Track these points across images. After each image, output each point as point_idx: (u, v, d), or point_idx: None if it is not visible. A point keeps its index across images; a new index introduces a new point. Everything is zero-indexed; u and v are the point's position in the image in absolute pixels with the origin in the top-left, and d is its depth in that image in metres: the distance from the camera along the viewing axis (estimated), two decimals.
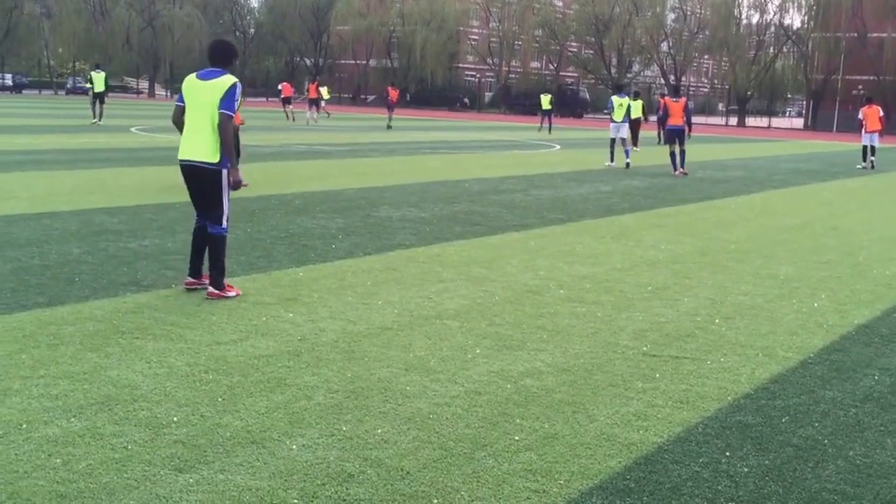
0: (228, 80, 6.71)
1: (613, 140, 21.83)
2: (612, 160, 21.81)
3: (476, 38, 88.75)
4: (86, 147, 21.38)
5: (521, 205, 13.32)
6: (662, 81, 79.60)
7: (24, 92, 79.93)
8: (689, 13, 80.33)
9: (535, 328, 6.26)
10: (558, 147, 30.65)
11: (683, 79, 79.98)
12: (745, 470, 4.03)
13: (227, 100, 6.62)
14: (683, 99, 21.01)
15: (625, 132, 21.82)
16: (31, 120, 33.50)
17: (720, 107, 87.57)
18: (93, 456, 3.85)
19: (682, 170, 20.31)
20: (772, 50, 74.32)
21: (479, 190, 15.19)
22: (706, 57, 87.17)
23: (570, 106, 70.41)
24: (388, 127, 38.70)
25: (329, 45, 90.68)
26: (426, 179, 16.64)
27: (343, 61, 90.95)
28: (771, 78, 73.37)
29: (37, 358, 5.16)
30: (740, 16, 74.24)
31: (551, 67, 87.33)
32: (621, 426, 4.48)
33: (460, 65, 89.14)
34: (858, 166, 25.32)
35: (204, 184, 6.75)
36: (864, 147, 25.30)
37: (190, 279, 7.00)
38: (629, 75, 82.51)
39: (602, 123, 60.61)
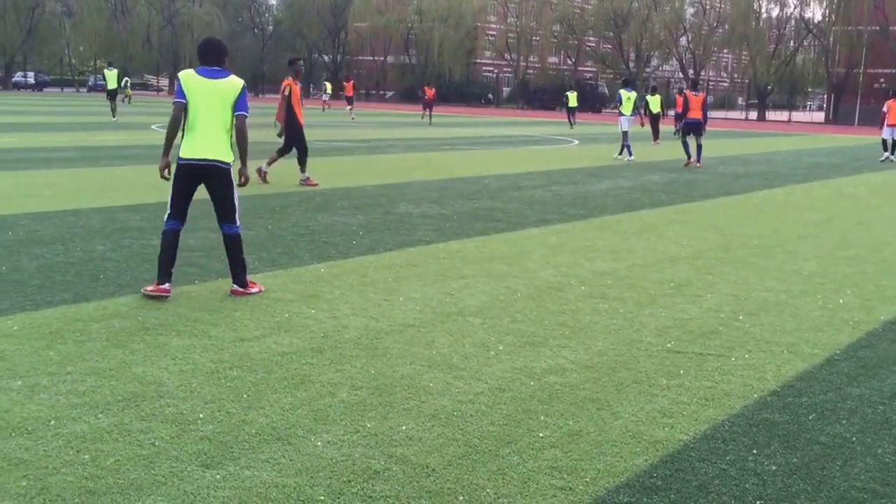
0: (239, 81, 6.74)
1: (626, 133, 22.05)
2: (630, 154, 21.84)
3: (493, 33, 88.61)
4: (107, 145, 21.53)
5: (541, 201, 13.29)
6: (681, 76, 79.14)
7: (45, 90, 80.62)
8: (708, 7, 79.76)
9: (557, 325, 6.24)
10: (577, 142, 30.55)
11: (703, 73, 79.50)
12: (773, 468, 4.00)
13: (244, 101, 6.68)
14: (703, 94, 21.28)
15: (627, 125, 22.24)
16: (54, 118, 33.76)
17: (740, 101, 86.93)
18: (120, 452, 3.87)
19: (698, 163, 20.49)
20: (792, 44, 73.71)
21: (499, 186, 15.17)
22: (725, 51, 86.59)
23: (588, 101, 70.18)
24: (429, 124, 40.62)
25: (347, 42, 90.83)
26: (445, 176, 16.63)
27: (361, 58, 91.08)
28: (791, 72, 72.76)
29: (64, 354, 5.20)
30: (760, 9, 73.67)
31: (569, 62, 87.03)
32: (647, 423, 4.46)
33: (478, 60, 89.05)
34: (881, 159, 25.11)
35: (219, 184, 6.71)
36: (884, 140, 25.24)
37: (166, 286, 6.59)
38: (647, 70, 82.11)
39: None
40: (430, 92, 43.73)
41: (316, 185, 14.11)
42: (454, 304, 6.74)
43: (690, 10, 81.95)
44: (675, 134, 29.43)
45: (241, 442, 4.02)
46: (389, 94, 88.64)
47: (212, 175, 6.67)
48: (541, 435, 4.24)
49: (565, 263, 8.47)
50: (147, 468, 3.72)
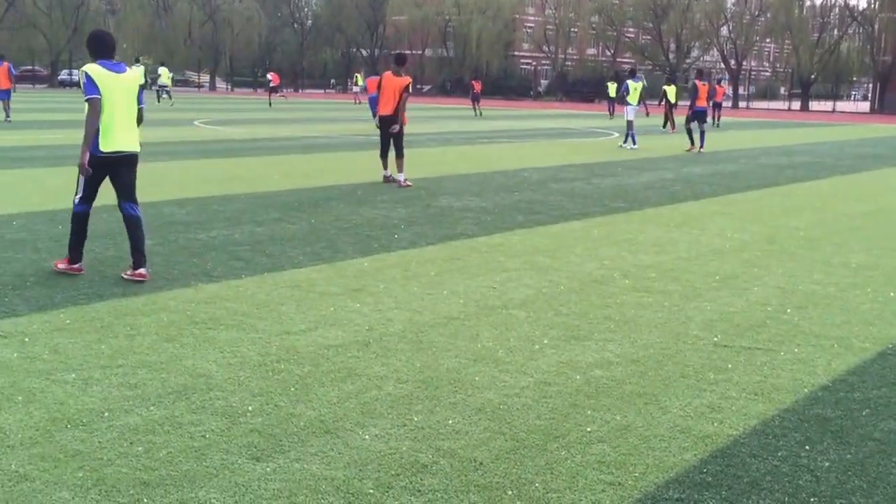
0: (140, 73, 7.40)
1: (631, 122, 22.76)
2: (634, 143, 22.48)
3: (532, 25, 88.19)
4: (151, 141, 21.80)
5: (582, 193, 13.22)
6: (722, 66, 78.18)
7: (155, 87, 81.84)
8: None
9: (602, 318, 6.21)
10: (616, 134, 30.29)
11: (745, 63, 78.44)
12: (826, 464, 3.94)
13: (142, 93, 7.24)
14: (708, 84, 23.34)
15: (633, 114, 23.00)
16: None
17: (782, 91, 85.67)
18: (172, 444, 3.93)
19: (701, 148, 21.81)
20: (836, 32, 72.42)
21: (539, 179, 15.11)
22: (768, 40, 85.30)
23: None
24: (480, 115, 41.64)
25: (385, 36, 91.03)
26: (485, 169, 16.61)
27: (399, 51, 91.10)
28: (835, 61, 71.53)
29: (115, 348, 5.28)
30: None
31: (608, 54, 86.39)
32: (695, 418, 4.42)
33: (516, 53, 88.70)
34: None
35: (129, 170, 7.26)
36: None
37: (79, 265, 7.19)
38: (688, 61, 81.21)
39: (661, 109, 59.74)
40: (477, 85, 44.38)
41: (410, 185, 13.51)
42: (498, 297, 6.74)
43: (732, 0, 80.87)
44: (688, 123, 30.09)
45: (290, 435, 4.06)
46: (427, 87, 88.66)
47: (125, 163, 7.21)
48: (588, 429, 4.23)
49: (608, 256, 8.42)
50: (199, 460, 3.77)
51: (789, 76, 79.98)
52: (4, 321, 5.77)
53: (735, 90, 74.44)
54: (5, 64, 26.57)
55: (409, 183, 13.50)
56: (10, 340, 5.37)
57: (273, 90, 50.55)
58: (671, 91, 30.74)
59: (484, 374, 4.98)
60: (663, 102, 31.69)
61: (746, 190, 14.27)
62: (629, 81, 23.35)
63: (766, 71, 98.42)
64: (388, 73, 13.75)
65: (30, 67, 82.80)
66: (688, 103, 23.09)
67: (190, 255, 8.01)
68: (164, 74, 46.13)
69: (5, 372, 4.81)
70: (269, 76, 53.68)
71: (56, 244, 8.32)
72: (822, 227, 10.60)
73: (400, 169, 13.58)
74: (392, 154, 13.71)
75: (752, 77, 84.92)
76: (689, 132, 22.32)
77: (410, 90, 13.70)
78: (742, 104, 72.84)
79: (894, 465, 3.96)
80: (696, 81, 22.69)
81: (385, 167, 14.02)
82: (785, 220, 11.01)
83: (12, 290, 6.59)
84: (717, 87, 34.93)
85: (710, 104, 22.21)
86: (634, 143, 22.43)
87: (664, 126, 31.70)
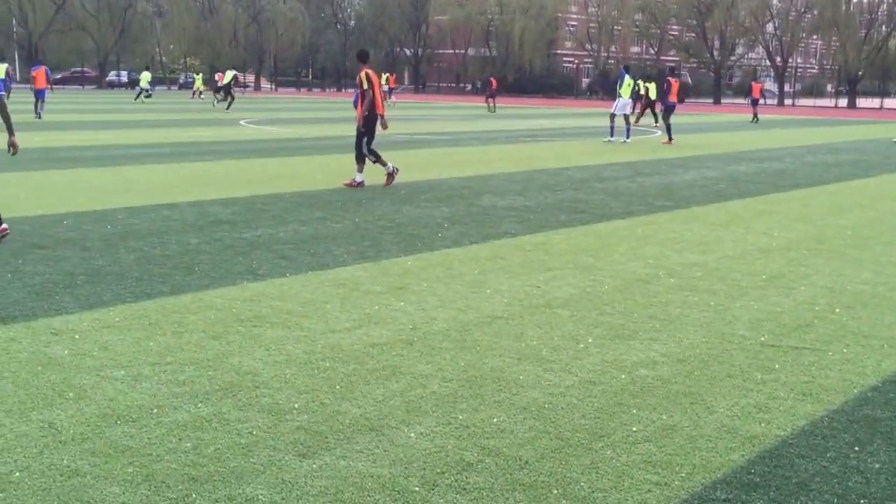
0: (2, 65, 7.83)
1: (614, 116, 23.60)
2: (612, 135, 23.59)
3: (574, 24, 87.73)
4: (197, 140, 22.09)
5: (626, 192, 13.13)
6: (768, 63, 77.07)
7: (136, 88, 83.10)
8: None
9: (646, 317, 6.17)
10: (660, 133, 30.05)
11: (790, 60, 77.24)
12: (877, 466, 3.88)
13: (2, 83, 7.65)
14: (679, 80, 25.17)
15: (629, 109, 23.99)
16: (146, 115, 34.79)
17: (829, 88, 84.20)
18: (220, 440, 3.98)
19: (671, 141, 23.44)
20: (884, 28, 70.98)
21: (582, 177, 15.04)
22: (814, 37, 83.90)
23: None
24: (493, 111, 42.79)
25: (428, 36, 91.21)
26: (528, 168, 16.57)
27: (441, 51, 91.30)
28: (883, 57, 70.16)
29: (163, 345, 5.36)
30: None
31: (651, 52, 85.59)
32: (742, 418, 4.37)
33: (558, 51, 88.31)
34: None
35: None
36: None
37: None
38: (732, 58, 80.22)
39: (705, 108, 59.20)
40: (494, 83, 46.96)
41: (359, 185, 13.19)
42: (541, 296, 6.72)
43: None
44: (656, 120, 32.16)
45: (336, 432, 4.09)
46: (469, 86, 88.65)
47: None
48: (634, 429, 4.20)
49: (652, 255, 8.36)
50: (246, 456, 3.82)
51: (836, 73, 78.58)
52: (56, 319, 5.89)
53: (780, 87, 73.38)
54: (42, 67, 31.48)
55: (362, 182, 13.18)
56: (61, 338, 5.48)
57: (219, 90, 44.51)
58: (652, 88, 31.74)
59: (528, 372, 4.98)
60: (638, 98, 32.16)
61: (792, 188, 14.06)
62: (626, 76, 23.97)
63: (813, 68, 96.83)
64: (370, 71, 13.19)
65: (78, 69, 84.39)
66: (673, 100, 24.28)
67: (235, 254, 8.10)
68: (145, 79, 47.63)
69: (57, 368, 4.91)
70: (216, 76, 48.28)
71: (104, 244, 8.47)
72: (870, 226, 10.41)
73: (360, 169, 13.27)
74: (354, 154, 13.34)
75: (799, 74, 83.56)
76: (668, 127, 23.79)
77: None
78: (788, 101, 71.75)
79: None
80: (669, 78, 24.30)
81: (384, 164, 13.37)
82: (832, 219, 10.83)
83: (63, 288, 6.72)
84: (752, 83, 38.77)
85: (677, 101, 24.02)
86: (613, 136, 23.61)
87: (636, 121, 32.49)
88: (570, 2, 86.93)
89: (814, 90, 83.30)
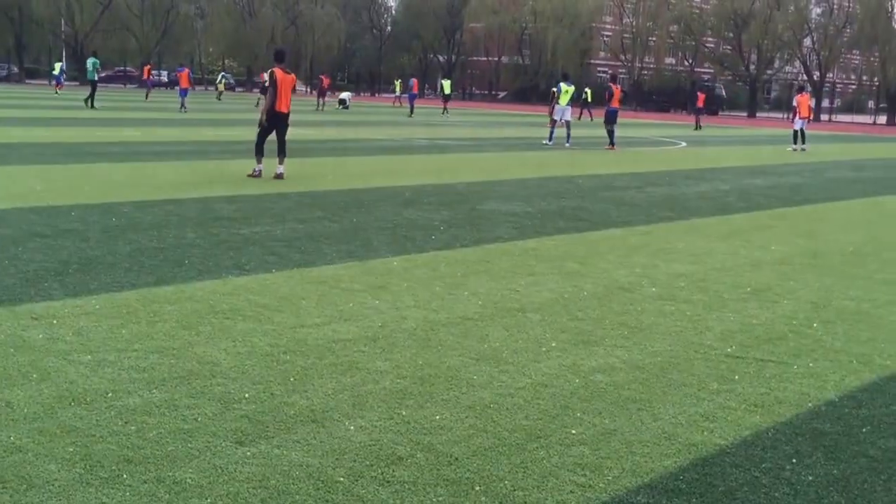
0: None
1: (555, 122, 24.98)
2: (550, 139, 25.19)
3: (609, 34, 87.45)
4: (223, 140, 22.38)
5: (631, 202, 13.12)
6: (805, 78, 76.23)
7: (176, 87, 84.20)
8: (835, 7, 76.50)
9: (617, 324, 6.19)
10: (684, 144, 29.92)
11: (829, 75, 76.34)
12: (810, 478, 3.88)
13: None
14: (620, 87, 26.12)
15: (569, 115, 25.42)
16: (178, 114, 35.24)
17: (869, 104, 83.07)
18: (164, 426, 4.08)
19: (613, 146, 24.33)
20: None
21: (591, 186, 15.04)
22: (854, 52, 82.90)
23: (706, 103, 68.42)
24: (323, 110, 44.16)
25: (462, 42, 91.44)
26: (540, 175, 16.60)
27: (475, 58, 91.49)
28: None
29: (135, 333, 5.49)
30: (892, 9, 70.28)
31: (686, 64, 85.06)
32: (685, 426, 4.39)
33: (592, 61, 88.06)
34: None
35: None
36: None
37: None
38: (769, 72, 79.48)
39: (739, 121, 58.69)
40: (325, 80, 48.93)
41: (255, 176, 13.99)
42: (517, 300, 6.77)
43: (817, 10, 78.80)
44: (591, 120, 35.20)
45: (278, 422, 4.18)
46: (502, 94, 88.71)
47: None
48: (573, 432, 4.24)
49: (640, 265, 8.37)
50: (185, 442, 3.92)
51: (876, 89, 77.55)
52: (39, 304, 6.04)
53: (818, 102, 72.52)
54: (186, 70, 39.11)
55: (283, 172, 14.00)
56: (40, 322, 5.63)
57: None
58: (589, 93, 35.09)
59: (483, 373, 5.03)
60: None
61: (803, 203, 13.96)
62: (561, 84, 24.97)
63: (853, 84, 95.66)
64: (279, 71, 13.89)
65: (121, 68, 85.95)
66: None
67: (228, 249, 8.23)
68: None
69: (28, 351, 5.05)
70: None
71: (105, 235, 8.64)
72: (874, 243, 10.32)
73: (281, 161, 14.07)
74: (275, 148, 14.10)
75: (838, 90, 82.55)
76: (610, 133, 24.65)
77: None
78: (824, 117, 70.92)
79: (881, 482, 3.88)
80: (611, 84, 25.26)
81: (259, 162, 14.13)
82: (836, 235, 10.75)
83: (53, 275, 6.88)
84: (698, 93, 42.02)
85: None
86: (550, 140, 25.09)
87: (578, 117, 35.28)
88: (605, 12, 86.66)
89: (854, 106, 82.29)
